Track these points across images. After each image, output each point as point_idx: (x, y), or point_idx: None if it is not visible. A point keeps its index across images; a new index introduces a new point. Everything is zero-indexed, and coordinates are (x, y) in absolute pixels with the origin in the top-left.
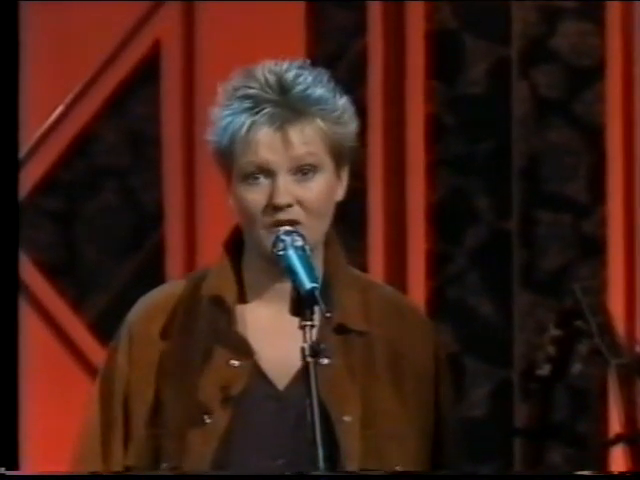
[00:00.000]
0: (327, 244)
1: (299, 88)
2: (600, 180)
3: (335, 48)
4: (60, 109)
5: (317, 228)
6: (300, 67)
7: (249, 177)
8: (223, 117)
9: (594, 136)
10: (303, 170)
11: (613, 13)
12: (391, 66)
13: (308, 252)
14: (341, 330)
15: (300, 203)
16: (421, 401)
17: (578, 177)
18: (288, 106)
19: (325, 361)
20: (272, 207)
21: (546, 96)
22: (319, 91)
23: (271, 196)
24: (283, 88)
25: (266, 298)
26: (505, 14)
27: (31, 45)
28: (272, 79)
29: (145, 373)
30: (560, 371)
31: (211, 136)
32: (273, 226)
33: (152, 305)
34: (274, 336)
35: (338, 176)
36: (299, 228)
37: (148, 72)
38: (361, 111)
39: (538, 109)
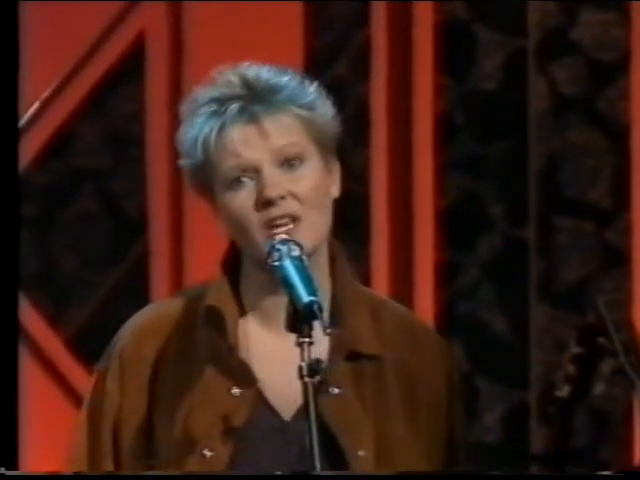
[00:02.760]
0: (333, 258)
1: (263, 78)
2: (624, 184)
3: (335, 40)
4: (35, 106)
5: (318, 222)
6: (261, 65)
7: (233, 183)
8: (189, 132)
9: (618, 136)
10: (289, 162)
11: (638, 2)
12: (397, 60)
13: (306, 262)
14: (353, 357)
15: (293, 196)
16: (433, 430)
17: (601, 181)
18: (256, 99)
19: (335, 391)
20: (263, 203)
21: (566, 92)
22: (285, 79)
23: (260, 192)
24: (247, 83)
25: (268, 318)
26: (521, 3)
27: None
28: (234, 78)
29: (137, 400)
30: (581, 392)
31: (183, 159)
32: (269, 224)
33: (144, 326)
34: (278, 361)
35: (327, 168)
36: (299, 225)
37: (131, 66)
38: (364, 109)
39: (557, 107)
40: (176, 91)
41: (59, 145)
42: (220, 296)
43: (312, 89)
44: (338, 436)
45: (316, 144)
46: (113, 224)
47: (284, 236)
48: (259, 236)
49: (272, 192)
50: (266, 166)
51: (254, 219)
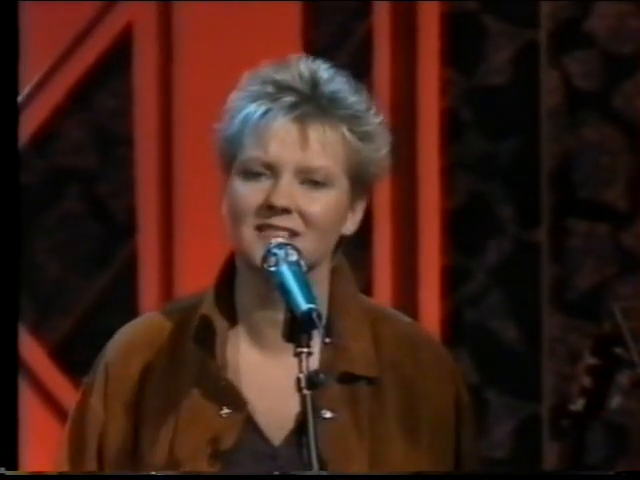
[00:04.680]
0: (334, 271)
1: (331, 87)
2: None
3: (335, 32)
4: (17, 101)
5: (316, 245)
6: (340, 73)
7: (250, 172)
8: (237, 101)
9: (635, 133)
10: (313, 181)
11: None
12: (400, 53)
13: (304, 268)
14: (346, 379)
15: (301, 214)
16: (438, 458)
17: (617, 181)
18: (314, 101)
19: (328, 414)
20: (267, 207)
21: (580, 87)
22: (353, 99)
23: (269, 195)
24: (313, 81)
25: (259, 334)
26: None
27: None
28: (304, 70)
29: (122, 417)
30: (596, 406)
31: (220, 123)
32: (265, 229)
33: (132, 341)
34: (269, 382)
35: (351, 202)
36: (296, 240)
37: (118, 60)
38: None
39: (571, 102)
40: (165, 86)
41: (42, 143)
42: (213, 308)
43: (376, 120)
44: (328, 462)
45: (349, 175)
46: (99, 227)
47: (281, 240)
48: (251, 235)
49: (279, 201)
50: (287, 174)
51: (252, 220)
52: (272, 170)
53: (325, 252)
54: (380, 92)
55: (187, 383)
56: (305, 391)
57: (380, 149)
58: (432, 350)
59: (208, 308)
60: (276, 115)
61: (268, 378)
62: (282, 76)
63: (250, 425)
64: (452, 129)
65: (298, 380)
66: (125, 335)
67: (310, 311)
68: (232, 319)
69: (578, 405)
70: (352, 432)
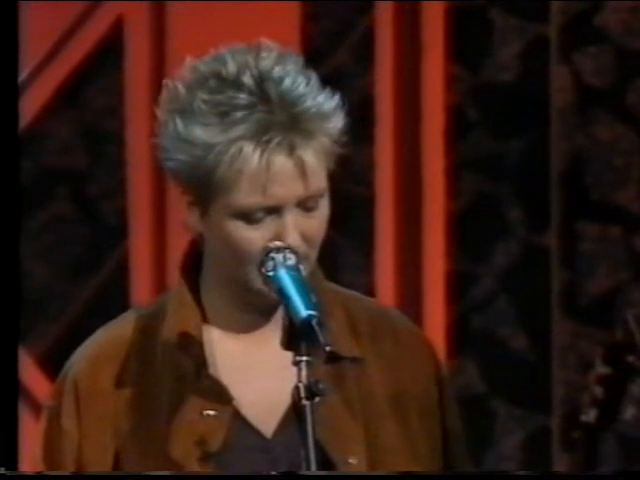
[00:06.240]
0: None
1: (308, 104)
2: None
3: (336, 27)
4: None
5: (313, 257)
6: (282, 62)
7: (248, 216)
8: (209, 136)
9: None
10: (310, 205)
11: None
12: (404, 48)
13: (303, 272)
14: (333, 359)
15: (305, 238)
16: (427, 427)
17: (630, 182)
18: (298, 128)
19: (317, 398)
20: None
21: (591, 84)
22: (328, 106)
23: (279, 235)
24: (287, 103)
25: (232, 326)
26: None
27: None
28: (273, 91)
29: (100, 436)
30: (609, 416)
31: (179, 153)
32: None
33: (97, 354)
34: (250, 375)
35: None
36: (302, 262)
37: (109, 55)
38: (368, 103)
39: (582, 100)
40: (158, 83)
41: (29, 143)
42: (184, 313)
43: (338, 111)
44: (325, 445)
45: (327, 171)
46: (89, 230)
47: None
48: (256, 273)
49: (294, 240)
50: (290, 210)
51: (259, 256)
52: (274, 210)
53: None
54: (383, 89)
55: (164, 388)
56: (304, 401)
57: (342, 134)
58: (407, 328)
59: (175, 309)
60: (274, 157)
61: (247, 369)
62: (258, 113)
63: (239, 421)
64: (458, 128)
65: (297, 389)
66: (88, 350)
67: (310, 318)
68: (202, 315)
69: (589, 416)
70: (345, 412)
